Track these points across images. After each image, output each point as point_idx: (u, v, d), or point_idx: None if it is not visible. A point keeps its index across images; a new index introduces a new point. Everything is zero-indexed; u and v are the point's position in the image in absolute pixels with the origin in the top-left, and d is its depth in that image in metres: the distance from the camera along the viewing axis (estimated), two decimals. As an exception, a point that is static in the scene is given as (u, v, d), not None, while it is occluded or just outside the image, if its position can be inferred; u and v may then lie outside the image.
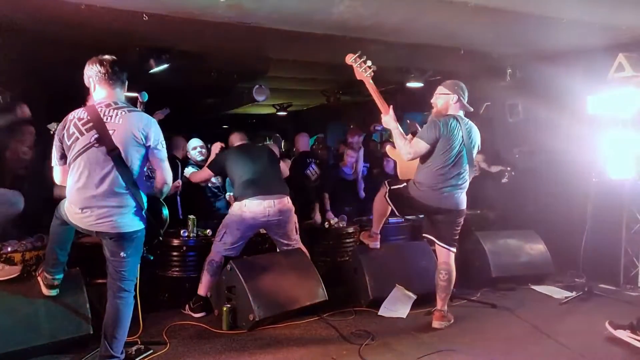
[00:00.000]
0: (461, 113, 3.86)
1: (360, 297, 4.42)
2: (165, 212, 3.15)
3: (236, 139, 4.60)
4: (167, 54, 5.16)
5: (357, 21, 4.33)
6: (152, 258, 3.29)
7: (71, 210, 2.92)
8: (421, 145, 3.74)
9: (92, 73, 2.91)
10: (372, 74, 3.75)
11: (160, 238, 3.18)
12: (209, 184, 5.30)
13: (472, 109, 3.95)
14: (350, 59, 3.80)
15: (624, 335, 3.54)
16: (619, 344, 3.55)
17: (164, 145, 3.00)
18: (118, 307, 2.97)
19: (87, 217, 2.87)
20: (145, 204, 2.96)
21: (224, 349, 3.51)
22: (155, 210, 3.07)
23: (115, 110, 2.87)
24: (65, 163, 2.92)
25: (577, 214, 5.01)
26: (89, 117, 2.85)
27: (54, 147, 2.95)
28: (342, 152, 6.34)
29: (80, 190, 2.85)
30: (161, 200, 3.14)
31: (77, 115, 2.88)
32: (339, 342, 3.65)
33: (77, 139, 2.84)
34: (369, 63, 3.73)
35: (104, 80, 2.90)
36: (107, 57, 2.94)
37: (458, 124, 3.76)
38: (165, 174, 3.01)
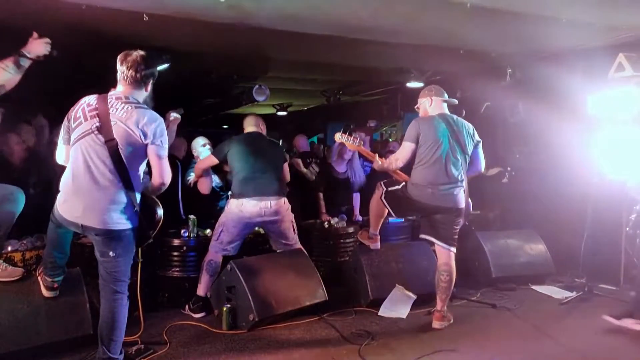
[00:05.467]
0: (445, 110, 4.00)
1: (360, 297, 4.42)
2: (160, 212, 3.05)
3: (249, 124, 4.45)
4: (167, 54, 5.16)
5: (357, 22, 4.33)
6: (141, 260, 3.20)
7: (60, 199, 2.87)
8: (406, 146, 3.89)
9: (117, 68, 2.92)
10: (361, 142, 4.41)
11: (151, 240, 3.10)
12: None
13: (456, 102, 4.16)
14: (338, 136, 4.36)
15: (630, 323, 3.66)
16: (617, 342, 3.57)
17: (165, 144, 2.95)
18: (112, 309, 2.92)
19: (74, 207, 2.81)
20: (139, 203, 2.90)
21: (224, 349, 3.51)
22: (149, 209, 2.99)
23: (123, 104, 2.86)
24: (69, 143, 2.90)
25: (577, 214, 5.02)
26: (96, 105, 2.86)
27: (62, 126, 2.94)
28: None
29: (72, 177, 2.83)
30: (157, 200, 3.06)
31: (88, 101, 2.90)
32: (339, 342, 3.65)
33: (81, 123, 2.84)
34: (355, 134, 4.48)
35: (122, 79, 2.91)
36: (132, 57, 2.88)
37: (440, 121, 3.88)
38: (162, 173, 2.93)
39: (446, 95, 4.07)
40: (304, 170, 5.73)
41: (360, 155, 6.06)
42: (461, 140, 3.90)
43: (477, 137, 4.03)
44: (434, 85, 4.15)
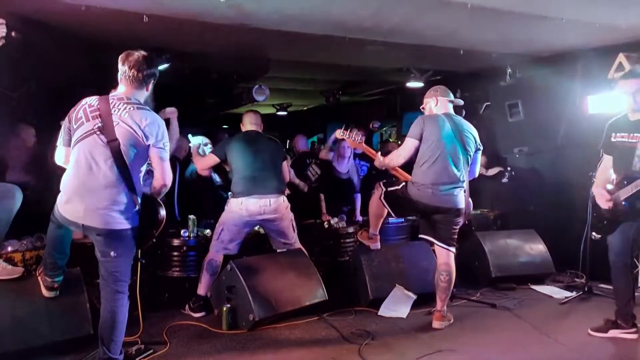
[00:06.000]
0: (450, 110, 4.02)
1: (360, 297, 4.42)
2: (163, 212, 3.05)
3: (248, 122, 4.45)
4: (167, 54, 5.17)
5: (356, 22, 4.34)
6: (144, 261, 3.20)
7: (61, 199, 2.87)
8: (409, 142, 3.89)
9: (119, 68, 2.92)
10: (363, 138, 4.36)
11: (154, 240, 3.11)
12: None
13: (461, 102, 4.22)
14: (339, 134, 4.41)
15: (617, 333, 3.64)
16: (617, 343, 3.58)
17: (167, 146, 2.96)
18: (113, 309, 2.92)
19: (75, 207, 2.81)
20: (140, 203, 2.90)
21: (224, 349, 3.51)
22: (151, 210, 2.99)
23: (125, 105, 2.86)
24: (69, 145, 2.90)
25: (577, 214, 5.01)
26: (98, 106, 2.86)
27: (62, 127, 2.94)
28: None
29: (73, 177, 2.83)
30: (159, 200, 3.06)
31: (89, 102, 2.90)
32: (339, 342, 3.65)
33: (82, 124, 2.84)
34: (356, 131, 4.42)
35: (124, 79, 2.91)
36: (134, 57, 2.88)
37: (445, 120, 3.89)
38: (164, 175, 2.95)
39: (452, 95, 4.09)
40: (297, 181, 5.65)
41: (357, 156, 6.08)
42: (464, 141, 3.90)
43: (479, 142, 4.04)
44: (440, 85, 4.16)
